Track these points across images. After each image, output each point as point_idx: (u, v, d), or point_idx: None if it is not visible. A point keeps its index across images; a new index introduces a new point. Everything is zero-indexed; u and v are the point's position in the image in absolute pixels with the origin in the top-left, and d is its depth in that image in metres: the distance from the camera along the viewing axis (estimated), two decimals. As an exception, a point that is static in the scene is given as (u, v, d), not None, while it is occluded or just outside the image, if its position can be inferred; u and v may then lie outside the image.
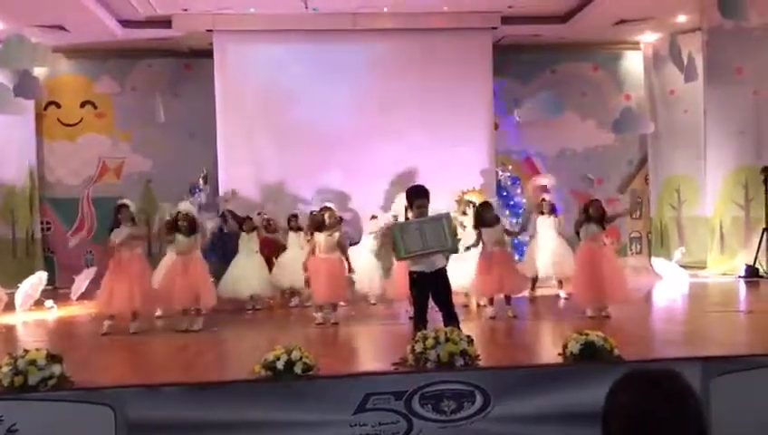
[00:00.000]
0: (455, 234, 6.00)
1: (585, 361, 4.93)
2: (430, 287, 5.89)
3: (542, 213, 9.40)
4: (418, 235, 5.74)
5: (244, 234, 9.23)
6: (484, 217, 8.01)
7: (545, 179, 10.34)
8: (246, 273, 9.03)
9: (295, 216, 9.73)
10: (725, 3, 8.67)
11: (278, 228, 9.76)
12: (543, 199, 9.58)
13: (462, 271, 7.85)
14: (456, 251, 6.11)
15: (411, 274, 5.95)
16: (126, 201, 7.86)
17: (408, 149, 11.77)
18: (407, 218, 7.66)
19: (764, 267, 10.44)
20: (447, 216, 5.94)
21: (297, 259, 8.67)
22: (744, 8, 8.72)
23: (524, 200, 11.94)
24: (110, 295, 7.51)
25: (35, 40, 9.55)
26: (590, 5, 10.98)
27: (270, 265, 9.49)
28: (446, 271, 6.00)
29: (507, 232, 8.42)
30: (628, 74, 13.48)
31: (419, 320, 5.85)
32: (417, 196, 5.97)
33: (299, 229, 9.41)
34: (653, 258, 12.07)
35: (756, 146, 10.97)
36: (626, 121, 11.60)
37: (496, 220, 8.07)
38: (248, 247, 9.18)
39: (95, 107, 12.78)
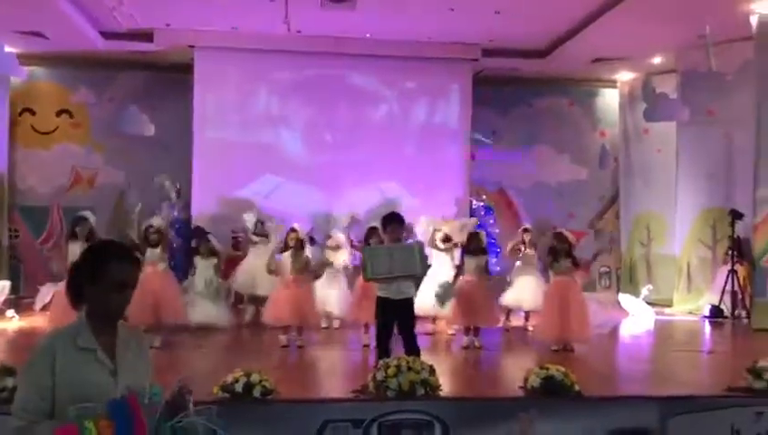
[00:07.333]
0: (425, 261, 6.11)
1: (545, 395, 4.95)
2: (394, 315, 5.92)
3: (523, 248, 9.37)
4: (388, 259, 5.95)
5: (199, 258, 8.61)
6: (471, 245, 8.09)
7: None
8: (202, 299, 8.44)
9: (262, 222, 9.34)
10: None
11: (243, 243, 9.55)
12: (526, 229, 9.58)
13: (430, 296, 7.85)
14: (422, 276, 6.22)
15: (378, 298, 6.05)
16: (86, 214, 7.72)
17: (384, 175, 11.80)
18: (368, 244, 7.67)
19: (728, 308, 10.57)
20: (420, 243, 6.24)
21: (256, 268, 8.56)
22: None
23: (497, 231, 12.04)
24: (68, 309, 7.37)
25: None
26: (568, 42, 11.14)
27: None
28: (412, 302, 6.06)
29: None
30: (604, 111, 13.70)
31: (381, 347, 5.86)
32: (391, 222, 6.16)
33: (263, 235, 9.07)
34: (620, 294, 12.16)
35: (725, 188, 11.13)
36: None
37: (482, 251, 8.12)
38: (205, 274, 8.51)
39: (71, 116, 12.66)
